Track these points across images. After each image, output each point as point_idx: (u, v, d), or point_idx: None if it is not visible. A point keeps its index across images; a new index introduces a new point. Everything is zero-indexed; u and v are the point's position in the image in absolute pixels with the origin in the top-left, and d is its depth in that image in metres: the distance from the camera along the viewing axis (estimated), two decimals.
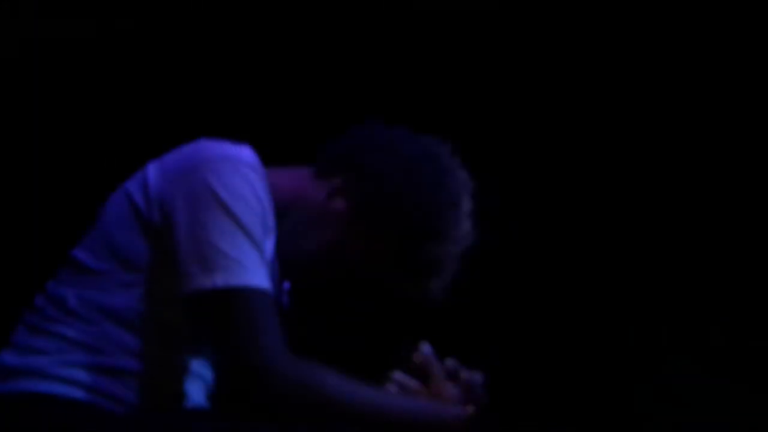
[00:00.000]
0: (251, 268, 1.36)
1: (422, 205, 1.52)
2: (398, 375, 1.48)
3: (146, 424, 1.36)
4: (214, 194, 1.37)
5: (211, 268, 1.34)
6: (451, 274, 1.57)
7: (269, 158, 1.52)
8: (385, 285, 1.56)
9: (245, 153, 1.46)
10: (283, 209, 1.50)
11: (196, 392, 1.47)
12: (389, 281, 1.55)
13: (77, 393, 1.37)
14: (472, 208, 1.58)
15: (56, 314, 1.42)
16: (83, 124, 2.93)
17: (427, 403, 1.42)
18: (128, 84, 2.93)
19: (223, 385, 1.44)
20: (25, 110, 2.89)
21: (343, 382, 1.36)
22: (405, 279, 1.55)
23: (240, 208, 1.37)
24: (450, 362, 1.48)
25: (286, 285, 1.58)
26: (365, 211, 1.52)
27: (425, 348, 1.49)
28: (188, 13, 2.91)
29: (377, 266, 1.53)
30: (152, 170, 1.45)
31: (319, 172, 1.57)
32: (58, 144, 2.90)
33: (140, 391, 1.39)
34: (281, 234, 1.50)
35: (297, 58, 2.95)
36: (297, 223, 1.53)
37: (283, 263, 1.52)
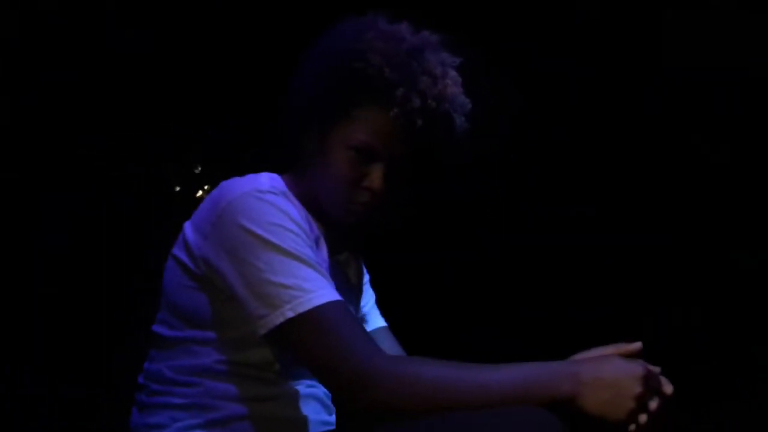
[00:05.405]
0: (312, 287, 1.35)
1: (335, 39, 1.50)
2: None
3: None
4: (247, 231, 1.37)
5: (276, 304, 1.34)
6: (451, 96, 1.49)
7: None
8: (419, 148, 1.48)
9: (262, 180, 1.46)
10: (315, 208, 1.52)
11: (312, 412, 1.50)
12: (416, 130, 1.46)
13: None
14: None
15: (158, 388, 1.48)
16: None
17: (538, 365, 1.30)
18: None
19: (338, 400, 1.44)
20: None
21: (445, 367, 1.31)
22: (414, 101, 1.45)
23: (276, 235, 1.37)
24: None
25: None
26: (307, 101, 1.50)
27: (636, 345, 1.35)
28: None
29: (382, 127, 1.46)
30: (188, 230, 1.47)
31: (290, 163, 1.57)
32: None
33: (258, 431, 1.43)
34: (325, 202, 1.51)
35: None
36: (324, 192, 1.51)
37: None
